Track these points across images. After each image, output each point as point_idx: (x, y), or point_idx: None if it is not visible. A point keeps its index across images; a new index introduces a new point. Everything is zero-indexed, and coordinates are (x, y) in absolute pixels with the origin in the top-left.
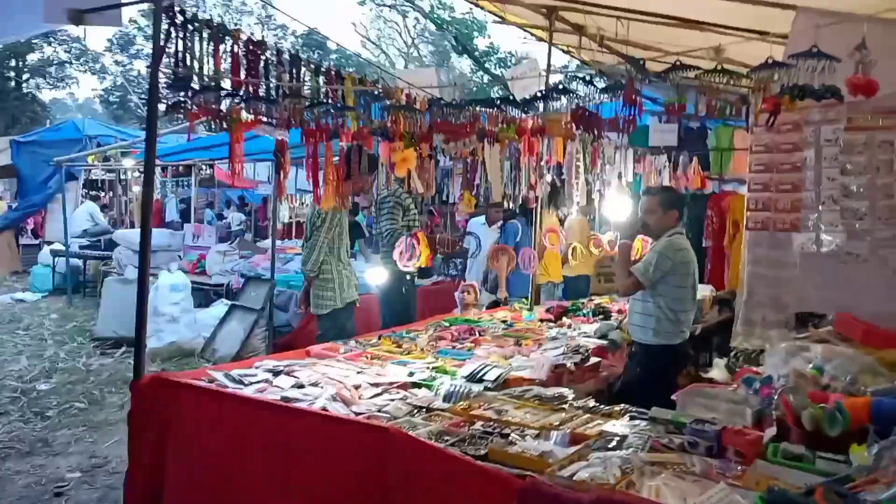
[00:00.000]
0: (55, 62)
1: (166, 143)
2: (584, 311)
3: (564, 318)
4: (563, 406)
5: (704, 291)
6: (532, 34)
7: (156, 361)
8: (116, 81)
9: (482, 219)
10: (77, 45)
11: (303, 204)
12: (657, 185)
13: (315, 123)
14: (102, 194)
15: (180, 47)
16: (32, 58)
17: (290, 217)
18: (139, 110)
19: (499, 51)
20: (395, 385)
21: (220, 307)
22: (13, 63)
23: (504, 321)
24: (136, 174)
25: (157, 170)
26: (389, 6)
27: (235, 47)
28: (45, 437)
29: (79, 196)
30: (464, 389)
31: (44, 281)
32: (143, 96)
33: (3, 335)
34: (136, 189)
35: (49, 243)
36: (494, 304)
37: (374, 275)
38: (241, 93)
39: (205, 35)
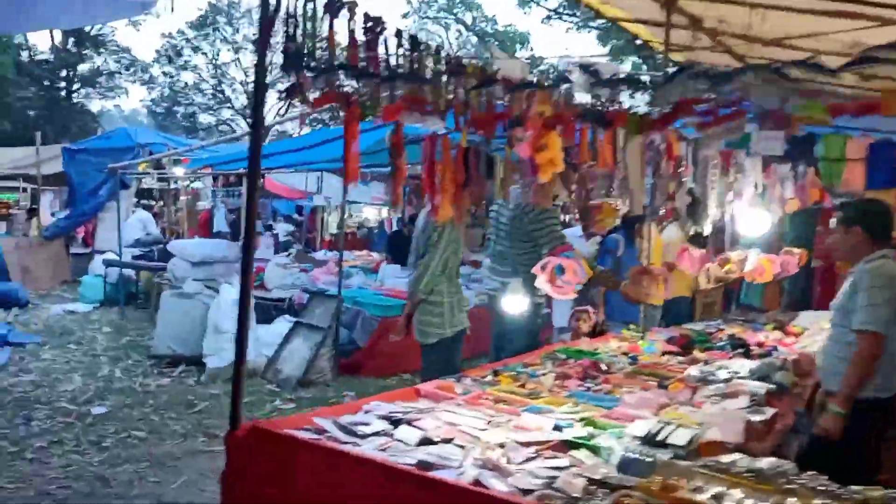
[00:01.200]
0: (105, 72)
1: (217, 151)
2: (720, 344)
3: (694, 352)
4: (791, 487)
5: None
6: (629, 32)
7: (216, 382)
8: (164, 92)
9: (577, 230)
10: (126, 55)
11: (350, 216)
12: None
13: (487, 107)
14: (154, 203)
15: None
16: (83, 68)
17: (340, 228)
18: (185, 121)
19: (541, 63)
20: (547, 445)
21: (282, 324)
22: (64, 73)
23: (624, 353)
24: (186, 183)
25: (209, 179)
26: (432, 18)
27: (351, 23)
28: (104, 473)
29: (130, 205)
30: (645, 457)
31: (95, 292)
32: (190, 107)
33: (54, 350)
34: (184, 199)
35: (100, 252)
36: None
37: (514, 303)
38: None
39: (319, 7)
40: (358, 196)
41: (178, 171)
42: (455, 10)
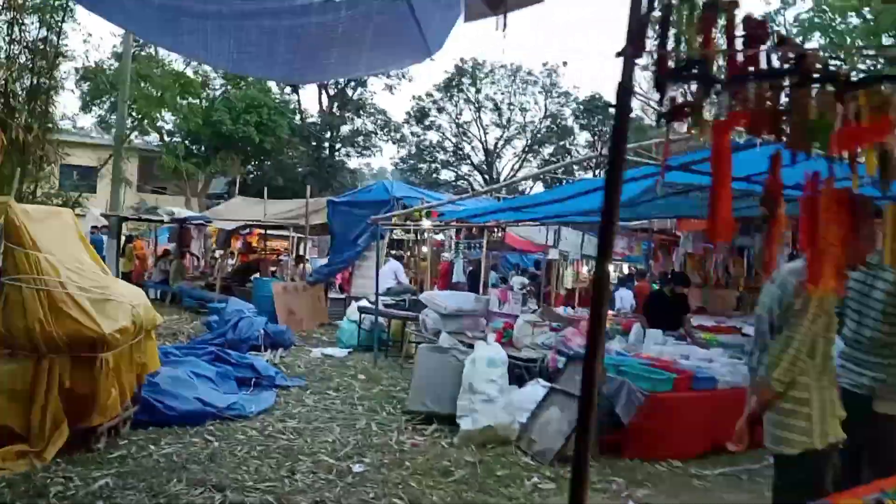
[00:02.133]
0: (363, 132)
1: (462, 205)
2: None
3: None
4: None
5: None
6: None
7: (469, 447)
8: (410, 151)
9: None
10: (382, 116)
11: (590, 271)
12: None
13: None
14: (404, 254)
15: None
16: (344, 129)
17: (574, 283)
18: (427, 177)
19: None
20: None
21: (535, 388)
22: (328, 134)
23: None
24: (432, 235)
25: (452, 231)
26: None
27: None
28: None
29: (382, 255)
30: None
31: (350, 336)
32: (433, 164)
33: (315, 395)
34: (425, 249)
35: (356, 299)
36: None
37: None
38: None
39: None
40: (594, 251)
41: (426, 223)
42: None
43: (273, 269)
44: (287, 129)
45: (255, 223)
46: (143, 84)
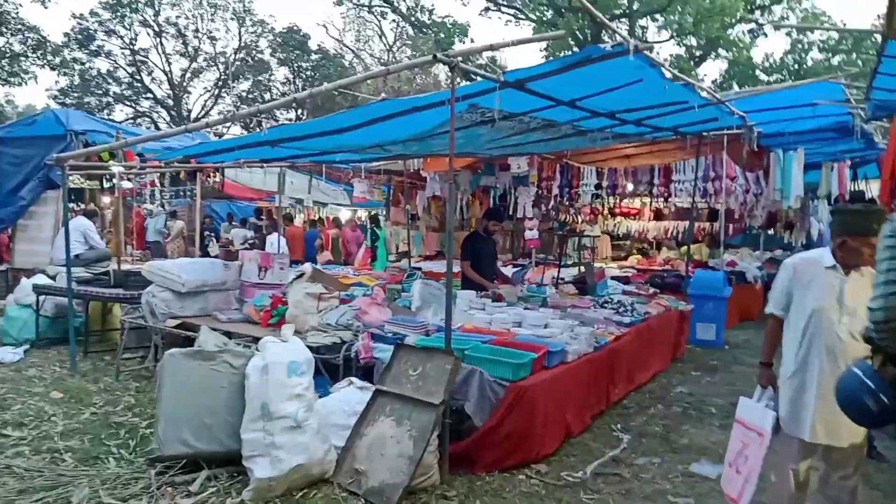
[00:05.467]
0: (8, 54)
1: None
2: None
3: None
4: None
5: None
6: None
7: (270, 502)
8: (73, 81)
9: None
10: (34, 35)
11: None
12: None
13: None
14: (97, 208)
15: None
16: None
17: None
18: (98, 112)
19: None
20: None
21: (350, 391)
22: None
23: None
24: (127, 182)
25: (147, 178)
26: (368, 7)
27: None
28: None
29: (59, 209)
30: None
31: (22, 329)
32: (104, 97)
33: None
34: (106, 199)
35: (27, 273)
36: None
37: None
38: None
39: None
40: (326, 197)
41: (117, 167)
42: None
43: None
44: None
45: None
46: None
